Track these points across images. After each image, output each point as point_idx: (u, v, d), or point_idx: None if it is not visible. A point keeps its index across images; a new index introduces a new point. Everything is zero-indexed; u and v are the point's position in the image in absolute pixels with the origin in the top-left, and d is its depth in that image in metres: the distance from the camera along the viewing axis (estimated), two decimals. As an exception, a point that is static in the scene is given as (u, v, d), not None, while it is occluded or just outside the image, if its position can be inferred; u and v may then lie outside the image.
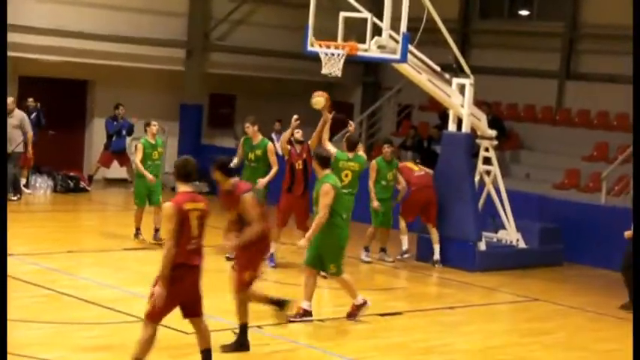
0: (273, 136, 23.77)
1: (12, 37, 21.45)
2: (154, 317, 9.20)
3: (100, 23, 23.04)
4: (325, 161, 12.15)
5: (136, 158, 16.88)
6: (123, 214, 20.81)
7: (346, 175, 14.95)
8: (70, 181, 21.87)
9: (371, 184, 16.43)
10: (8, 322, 11.06)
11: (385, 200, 16.52)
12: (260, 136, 16.04)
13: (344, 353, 11.05)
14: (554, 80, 24.31)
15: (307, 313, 12.17)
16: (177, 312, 11.06)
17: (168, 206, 9.05)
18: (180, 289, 9.09)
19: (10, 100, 19.83)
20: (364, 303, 12.40)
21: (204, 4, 24.95)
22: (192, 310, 9.37)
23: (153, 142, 16.81)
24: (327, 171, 12.09)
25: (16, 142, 19.79)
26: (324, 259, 12.15)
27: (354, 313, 12.41)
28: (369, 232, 16.71)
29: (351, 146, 15.31)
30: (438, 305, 14.23)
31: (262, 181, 15.37)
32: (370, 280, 15.45)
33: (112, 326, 11.43)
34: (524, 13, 26.21)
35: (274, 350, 10.96)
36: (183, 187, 9.23)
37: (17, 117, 20.07)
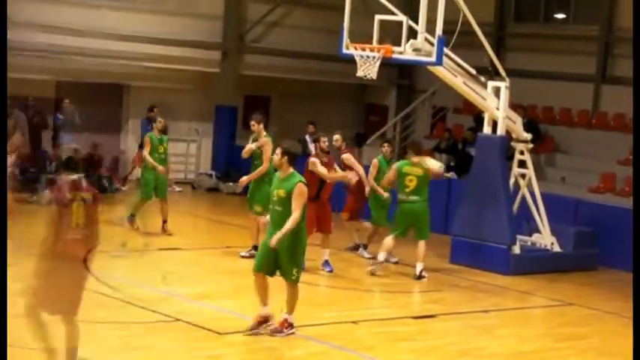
0: (307, 138, 23.77)
1: (50, 39, 21.71)
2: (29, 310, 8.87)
3: (137, 25, 23.13)
4: (294, 158, 11.53)
5: (145, 151, 17.76)
6: (156, 214, 20.88)
7: (410, 181, 15.10)
8: (104, 181, 21.99)
9: (371, 179, 16.33)
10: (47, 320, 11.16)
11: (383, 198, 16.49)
12: (264, 133, 15.95)
13: (377, 355, 11.00)
14: (590, 84, 24.16)
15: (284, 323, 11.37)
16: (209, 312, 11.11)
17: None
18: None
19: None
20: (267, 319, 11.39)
21: (239, 7, 24.99)
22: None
23: (159, 137, 17.64)
24: (292, 169, 11.42)
25: None
26: (285, 263, 11.10)
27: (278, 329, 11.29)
28: (369, 229, 16.81)
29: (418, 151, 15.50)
30: (472, 309, 14.11)
31: (243, 180, 15.74)
32: (404, 283, 15.37)
33: (145, 326, 11.43)
34: (559, 16, 26.04)
35: (308, 353, 10.92)
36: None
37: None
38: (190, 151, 25.21)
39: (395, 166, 15.65)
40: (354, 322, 12.38)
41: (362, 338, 11.78)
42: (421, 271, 15.37)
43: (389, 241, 15.40)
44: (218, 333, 11.27)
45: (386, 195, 16.20)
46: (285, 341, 11.28)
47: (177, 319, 11.68)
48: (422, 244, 15.41)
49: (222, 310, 12.42)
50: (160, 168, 17.29)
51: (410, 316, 12.97)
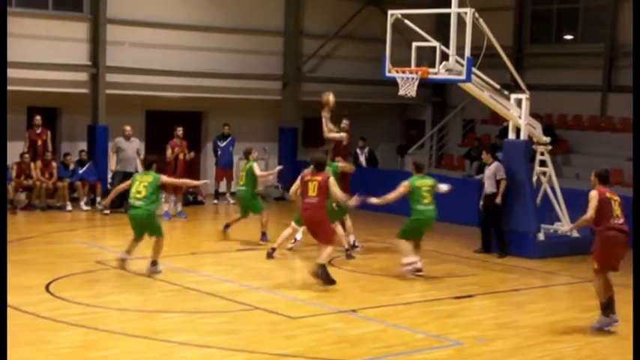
0: (357, 151, 23.76)
1: (139, 79, 22.07)
2: None
3: (210, 63, 23.35)
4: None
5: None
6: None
7: (427, 192, 14.17)
8: (190, 196, 22.15)
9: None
10: (146, 313, 11.31)
11: None
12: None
13: (428, 330, 10.96)
14: (597, 93, 23.91)
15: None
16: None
17: None
18: None
19: (127, 128, 20.28)
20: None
21: (296, 43, 25.06)
22: None
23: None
24: None
25: (131, 163, 20.14)
26: None
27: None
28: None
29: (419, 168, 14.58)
30: (505, 288, 14.03)
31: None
32: (444, 269, 15.27)
33: (231, 314, 11.49)
34: (569, 37, 25.79)
35: (369, 331, 10.89)
36: None
37: (136, 143, 20.39)
38: (260, 167, 25.24)
39: (407, 182, 14.12)
40: (406, 304, 12.35)
41: (414, 317, 11.74)
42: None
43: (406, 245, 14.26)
44: (292, 317, 11.30)
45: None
46: (349, 321, 11.29)
47: (257, 308, 11.73)
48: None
49: (294, 299, 12.45)
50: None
51: (452, 297, 12.88)
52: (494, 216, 16.51)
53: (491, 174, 16.56)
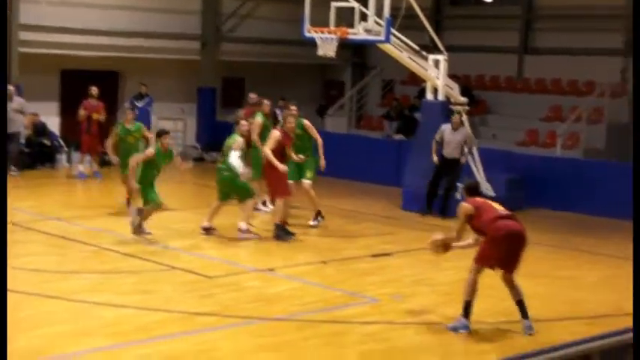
0: (277, 111, 23.72)
1: (54, 38, 21.63)
2: None
3: (127, 22, 23.02)
4: None
5: (108, 142, 16.07)
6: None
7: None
8: (105, 156, 21.79)
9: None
10: (61, 274, 11.22)
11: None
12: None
13: (345, 288, 11.10)
14: (514, 55, 24.28)
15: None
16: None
17: None
18: None
19: (11, 88, 19.45)
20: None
21: (214, 2, 24.85)
22: None
23: (129, 127, 15.95)
24: None
25: (15, 123, 19.53)
26: None
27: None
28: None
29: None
30: (422, 246, 14.15)
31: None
32: (363, 228, 15.44)
33: (148, 274, 11.47)
34: (487, -1, 26.05)
35: (287, 289, 11.00)
36: None
37: (17, 102, 19.87)
38: (177, 127, 25.12)
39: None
40: (323, 262, 12.47)
41: (331, 275, 11.87)
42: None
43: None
44: (209, 277, 11.33)
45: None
46: (266, 280, 11.37)
47: (174, 267, 11.73)
48: None
49: (211, 259, 12.48)
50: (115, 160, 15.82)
51: (369, 255, 13.05)
52: (452, 180, 16.28)
53: (461, 140, 16.40)
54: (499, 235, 9.49)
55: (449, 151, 16.40)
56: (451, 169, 16.41)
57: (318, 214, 15.01)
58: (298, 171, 14.86)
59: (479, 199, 9.85)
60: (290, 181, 14.40)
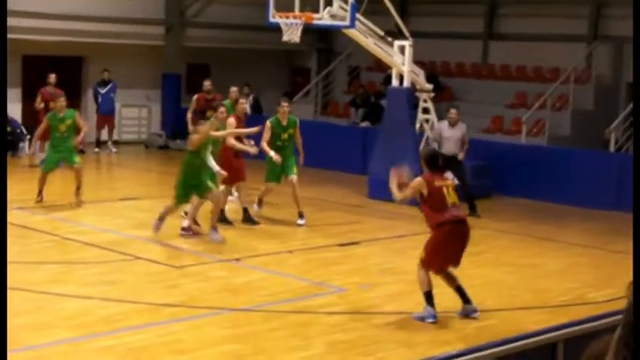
0: (242, 99, 23.56)
1: (14, 22, 21.25)
2: None
3: (90, 6, 22.77)
4: None
5: (38, 131, 15.57)
6: (117, 170, 20.69)
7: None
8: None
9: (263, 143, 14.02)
10: (22, 265, 11.07)
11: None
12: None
13: (312, 277, 11.07)
14: (479, 41, 24.32)
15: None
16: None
17: None
18: None
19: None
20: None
21: (178, -13, 24.66)
22: None
23: (61, 115, 15.09)
24: None
25: None
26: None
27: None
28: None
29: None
30: (389, 235, 14.23)
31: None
32: (329, 216, 15.42)
33: (112, 264, 11.36)
34: (452, -16, 26.06)
35: (253, 279, 10.94)
36: None
37: None
38: (142, 114, 24.93)
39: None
40: (289, 252, 12.43)
41: (297, 264, 11.84)
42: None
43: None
44: (174, 267, 11.26)
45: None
46: (232, 270, 11.31)
47: (138, 257, 11.63)
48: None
49: (178, 248, 12.38)
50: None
51: (336, 244, 13.03)
52: (462, 177, 14.91)
53: (460, 135, 15.85)
54: (442, 240, 9.37)
55: (449, 148, 15.67)
56: (455, 168, 14.78)
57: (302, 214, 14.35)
58: (283, 169, 14.24)
59: (436, 183, 9.34)
60: (273, 183, 14.26)
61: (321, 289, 10.65)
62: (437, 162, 9.61)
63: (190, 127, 15.63)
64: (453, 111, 16.29)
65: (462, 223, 9.44)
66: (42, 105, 19.40)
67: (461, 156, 15.85)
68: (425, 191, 9.34)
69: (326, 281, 10.93)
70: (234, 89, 16.32)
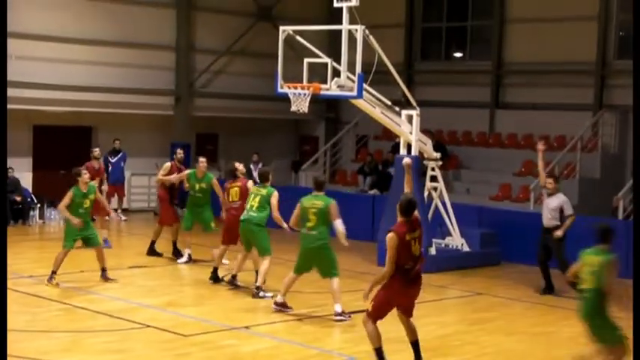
0: (251, 166, 23.71)
1: (25, 93, 21.53)
2: None
3: (100, 78, 23.04)
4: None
5: (61, 204, 14.19)
6: (126, 238, 20.69)
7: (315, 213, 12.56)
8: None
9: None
10: (32, 334, 11.01)
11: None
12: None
13: (322, 346, 10.98)
14: (486, 110, 24.49)
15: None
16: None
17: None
18: None
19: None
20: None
21: (188, 58, 24.94)
22: None
23: (84, 190, 14.21)
24: None
25: None
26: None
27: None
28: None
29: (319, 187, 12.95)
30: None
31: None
32: (341, 285, 15.30)
33: (121, 333, 11.29)
34: (458, 55, 26.40)
35: (260, 347, 10.85)
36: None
37: None
38: (151, 183, 25.01)
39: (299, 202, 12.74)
40: (299, 320, 12.34)
41: (307, 332, 11.74)
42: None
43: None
44: (184, 335, 11.18)
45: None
46: (241, 338, 11.22)
47: (148, 326, 11.56)
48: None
49: (186, 317, 12.31)
50: (76, 221, 13.95)
51: (346, 312, 12.91)
52: (559, 251, 14.77)
53: (557, 206, 14.88)
54: (392, 294, 9.57)
55: (546, 220, 15.00)
56: (552, 240, 14.84)
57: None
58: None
59: (407, 238, 9.35)
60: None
61: (332, 357, 10.55)
62: (412, 211, 9.55)
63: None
64: (550, 180, 15.18)
65: (416, 278, 9.59)
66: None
67: (560, 232, 14.77)
68: (398, 243, 9.32)
69: (336, 349, 10.84)
70: (202, 160, 16.56)
